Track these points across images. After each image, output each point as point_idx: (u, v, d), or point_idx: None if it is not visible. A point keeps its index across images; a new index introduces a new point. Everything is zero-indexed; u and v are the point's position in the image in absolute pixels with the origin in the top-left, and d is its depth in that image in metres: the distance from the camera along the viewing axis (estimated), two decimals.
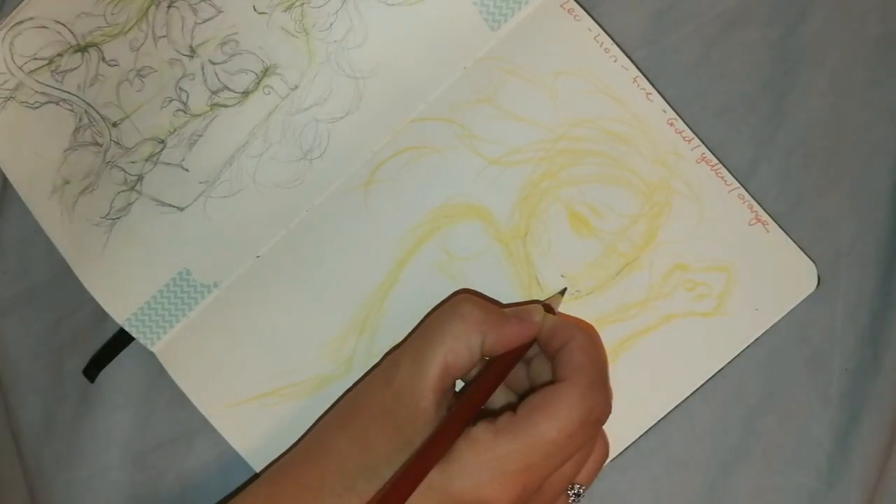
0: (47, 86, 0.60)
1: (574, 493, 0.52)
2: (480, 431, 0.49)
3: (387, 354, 0.57)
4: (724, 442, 0.58)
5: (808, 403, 0.58)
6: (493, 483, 0.48)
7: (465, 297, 0.54)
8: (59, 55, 0.60)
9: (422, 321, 0.57)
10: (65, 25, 0.60)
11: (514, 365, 0.53)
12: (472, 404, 0.50)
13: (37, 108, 0.61)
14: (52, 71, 0.60)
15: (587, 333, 0.52)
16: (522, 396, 0.52)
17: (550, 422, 0.48)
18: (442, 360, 0.50)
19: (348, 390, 0.58)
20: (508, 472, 0.48)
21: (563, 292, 0.57)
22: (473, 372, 0.54)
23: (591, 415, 0.49)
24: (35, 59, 0.60)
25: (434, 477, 0.48)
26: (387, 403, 0.51)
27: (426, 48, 0.57)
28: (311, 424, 0.58)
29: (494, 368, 0.52)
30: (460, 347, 0.51)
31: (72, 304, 0.63)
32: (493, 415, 0.50)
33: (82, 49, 0.60)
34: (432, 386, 0.50)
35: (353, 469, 0.50)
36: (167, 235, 0.59)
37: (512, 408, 0.50)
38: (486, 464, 0.48)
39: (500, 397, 0.55)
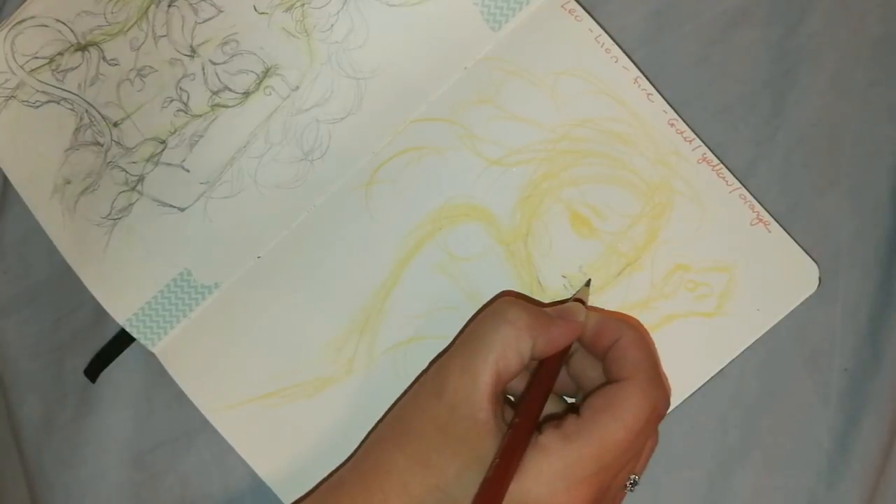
0: (48, 85, 0.60)
1: (631, 483, 0.52)
2: (549, 439, 0.48)
3: (432, 363, 0.56)
4: (724, 442, 0.58)
5: (808, 403, 0.58)
6: (570, 490, 0.47)
7: (511, 300, 0.53)
8: (60, 54, 0.60)
9: (465, 326, 0.56)
10: (65, 24, 0.60)
11: (562, 365, 0.53)
12: (534, 412, 0.50)
13: (38, 107, 0.61)
14: (53, 70, 0.60)
15: (636, 329, 0.52)
16: (583, 396, 0.52)
17: (618, 423, 0.48)
18: (494, 368, 0.49)
19: (394, 403, 0.57)
20: (583, 478, 0.47)
21: (588, 284, 0.57)
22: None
23: (654, 411, 0.49)
24: (36, 57, 0.60)
25: (510, 490, 0.47)
26: (442, 417, 0.49)
27: (427, 49, 0.57)
28: (311, 425, 0.58)
29: (545, 372, 0.52)
30: (511, 354, 0.50)
31: (72, 303, 0.63)
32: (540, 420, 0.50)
33: (83, 48, 0.60)
34: (488, 396, 0.49)
35: (419, 489, 0.49)
36: (168, 236, 0.59)
37: (573, 410, 0.50)
38: (560, 472, 0.47)
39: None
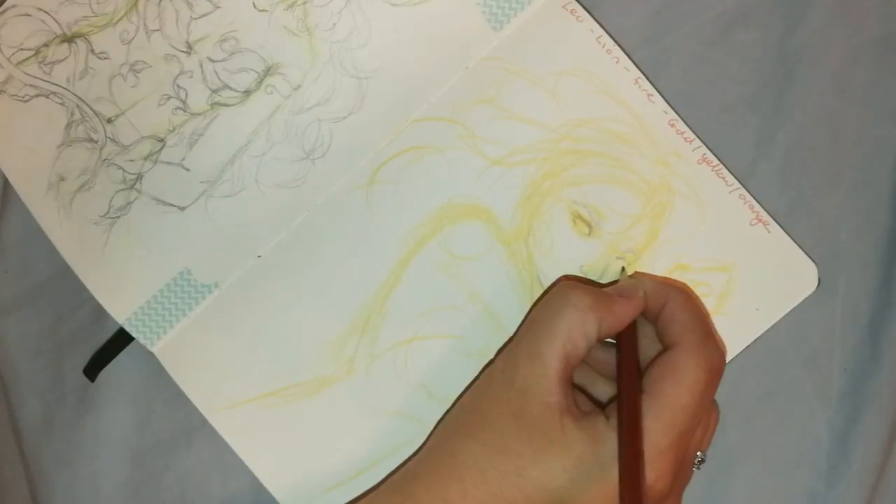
0: (36, 78, 0.59)
1: (698, 461, 0.53)
2: None
3: (499, 352, 0.56)
4: (724, 442, 0.58)
5: (808, 403, 0.58)
6: (653, 465, 0.48)
7: (571, 283, 0.53)
8: (45, 45, 0.59)
9: (527, 314, 0.56)
10: (48, 13, 0.59)
11: (636, 339, 0.53)
12: (635, 396, 0.50)
13: (27, 101, 0.60)
14: (40, 62, 0.59)
15: (682, 290, 0.53)
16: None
17: (680, 388, 0.48)
18: (561, 352, 0.50)
19: (459, 397, 0.56)
20: (663, 450, 0.48)
21: (623, 270, 0.57)
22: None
23: (712, 370, 0.49)
24: (22, 49, 0.59)
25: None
26: (515, 403, 0.50)
27: (429, 48, 0.57)
28: (312, 425, 0.58)
29: (626, 350, 0.52)
30: (578, 336, 0.50)
31: (72, 303, 0.62)
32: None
33: (69, 39, 0.59)
34: (557, 380, 0.49)
35: (497, 475, 0.49)
36: (168, 235, 0.59)
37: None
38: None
39: (599, 385, 0.55)
